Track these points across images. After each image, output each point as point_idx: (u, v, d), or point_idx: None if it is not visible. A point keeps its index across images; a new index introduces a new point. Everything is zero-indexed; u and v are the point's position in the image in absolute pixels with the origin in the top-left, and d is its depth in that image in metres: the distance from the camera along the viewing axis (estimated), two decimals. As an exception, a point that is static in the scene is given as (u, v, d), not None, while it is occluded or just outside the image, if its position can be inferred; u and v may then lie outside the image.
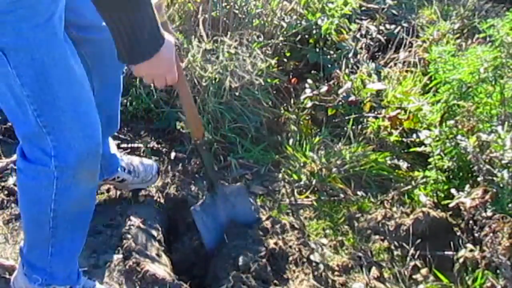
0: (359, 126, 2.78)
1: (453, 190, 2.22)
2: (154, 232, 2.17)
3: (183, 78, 1.91)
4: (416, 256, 2.10)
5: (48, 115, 1.49)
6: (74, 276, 1.82)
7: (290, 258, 2.10)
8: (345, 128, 2.73)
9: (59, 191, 1.59)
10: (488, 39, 2.59)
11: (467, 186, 2.19)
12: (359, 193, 2.47)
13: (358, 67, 3.07)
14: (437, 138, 2.39)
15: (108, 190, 2.41)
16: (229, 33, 2.82)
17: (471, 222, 2.11)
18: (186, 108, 2.01)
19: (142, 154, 2.65)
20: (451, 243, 2.14)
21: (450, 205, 2.19)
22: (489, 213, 2.04)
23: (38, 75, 1.45)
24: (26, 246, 1.77)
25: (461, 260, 2.00)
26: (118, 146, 2.66)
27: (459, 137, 2.26)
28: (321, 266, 2.06)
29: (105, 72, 1.90)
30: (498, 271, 1.88)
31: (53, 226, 1.66)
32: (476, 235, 2.05)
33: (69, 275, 1.80)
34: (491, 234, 1.96)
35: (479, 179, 2.13)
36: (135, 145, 2.69)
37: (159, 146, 2.73)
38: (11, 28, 1.40)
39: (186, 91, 1.97)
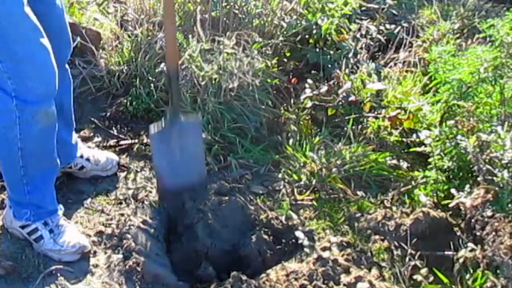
0: (359, 126, 2.78)
1: (453, 190, 2.22)
2: (154, 232, 2.17)
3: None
4: (416, 256, 2.09)
5: (8, 63, 1.77)
6: (55, 207, 2.12)
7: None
8: (345, 128, 2.73)
9: (22, 130, 1.87)
10: (488, 39, 2.59)
11: (467, 186, 2.19)
12: (359, 193, 2.47)
13: (358, 67, 3.07)
14: (437, 138, 2.39)
15: (108, 190, 2.41)
16: (227, 33, 2.82)
17: (472, 221, 2.11)
18: (167, 30, 2.10)
19: (142, 154, 2.65)
20: (451, 243, 2.14)
21: (450, 205, 2.19)
22: (489, 213, 2.04)
23: None
24: (7, 187, 2.08)
25: (461, 260, 2.00)
26: (119, 146, 2.67)
27: (459, 137, 2.26)
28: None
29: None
30: (498, 271, 1.88)
31: (23, 165, 1.96)
32: (478, 233, 2.04)
33: (51, 204, 2.10)
34: (493, 233, 1.96)
35: (479, 179, 2.13)
36: (135, 145, 2.69)
37: (159, 146, 2.72)
38: None
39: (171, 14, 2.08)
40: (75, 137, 2.42)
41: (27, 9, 1.77)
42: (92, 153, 2.47)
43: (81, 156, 2.42)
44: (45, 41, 1.83)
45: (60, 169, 2.33)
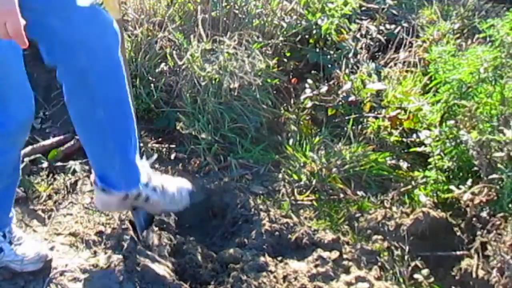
0: (359, 126, 2.78)
1: (452, 187, 2.23)
2: (157, 232, 2.17)
3: None
4: (416, 256, 2.10)
5: None
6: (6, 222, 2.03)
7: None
8: (345, 128, 2.73)
9: None
10: (488, 39, 2.59)
11: (469, 181, 2.19)
12: (359, 193, 2.47)
13: (358, 67, 3.07)
14: (437, 138, 2.39)
15: (108, 190, 2.41)
16: (228, 33, 2.82)
17: (472, 221, 2.11)
18: None
19: (142, 154, 2.65)
20: (451, 243, 2.15)
21: (451, 197, 2.20)
22: (489, 213, 2.05)
23: None
24: None
25: (463, 267, 2.01)
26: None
27: (462, 132, 2.26)
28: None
29: None
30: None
31: None
32: (478, 233, 2.05)
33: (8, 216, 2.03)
34: (494, 232, 1.96)
35: (481, 175, 2.14)
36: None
37: (159, 146, 2.73)
38: None
39: None
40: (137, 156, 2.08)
41: None
42: (160, 180, 2.12)
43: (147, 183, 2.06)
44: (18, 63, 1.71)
45: (124, 200, 2.02)
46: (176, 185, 2.14)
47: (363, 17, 3.57)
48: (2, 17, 1.40)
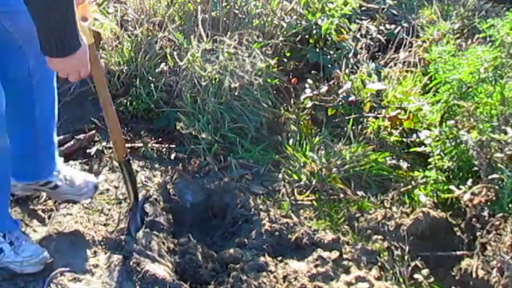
0: (359, 126, 2.78)
1: (452, 187, 2.23)
2: (155, 232, 2.17)
3: (104, 87, 2.06)
4: (416, 256, 2.10)
5: None
6: (4, 225, 2.00)
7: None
8: (345, 128, 2.73)
9: None
10: (488, 39, 2.59)
11: (469, 181, 2.19)
12: (359, 193, 2.47)
13: (358, 67, 3.07)
14: (437, 138, 2.39)
15: (107, 190, 2.41)
16: (228, 33, 2.82)
17: (472, 221, 2.11)
18: (110, 127, 2.09)
19: (142, 154, 2.66)
20: (451, 243, 2.15)
21: (452, 197, 2.20)
22: (489, 213, 2.05)
23: None
24: None
25: (463, 267, 2.01)
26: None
27: (462, 132, 2.26)
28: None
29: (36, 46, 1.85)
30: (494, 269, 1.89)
31: None
32: (478, 233, 2.05)
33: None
34: (493, 233, 1.96)
35: (481, 175, 2.14)
36: (135, 145, 2.69)
37: (159, 146, 2.73)
38: None
39: (110, 109, 2.09)
40: (56, 152, 2.23)
41: None
42: (69, 171, 2.27)
43: (58, 174, 2.21)
44: None
45: (30, 184, 2.20)
46: (83, 177, 2.28)
47: (363, 17, 3.57)
48: (79, 68, 1.72)
